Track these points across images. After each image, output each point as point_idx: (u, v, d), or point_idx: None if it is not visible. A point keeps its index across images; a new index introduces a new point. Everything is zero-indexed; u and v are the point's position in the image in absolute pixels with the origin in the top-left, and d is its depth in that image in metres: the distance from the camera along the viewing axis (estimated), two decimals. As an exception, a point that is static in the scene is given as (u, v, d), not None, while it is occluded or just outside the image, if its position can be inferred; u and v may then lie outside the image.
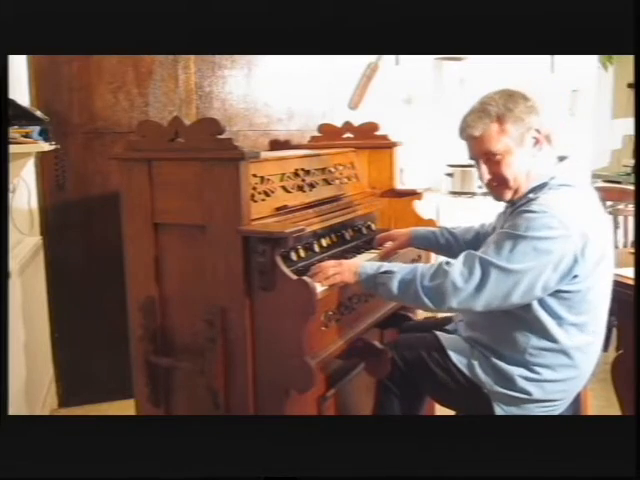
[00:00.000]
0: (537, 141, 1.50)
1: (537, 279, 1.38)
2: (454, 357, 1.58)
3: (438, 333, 1.67)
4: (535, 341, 1.48)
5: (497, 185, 1.53)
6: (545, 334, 1.47)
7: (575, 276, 1.41)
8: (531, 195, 1.48)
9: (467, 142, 1.54)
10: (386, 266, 1.55)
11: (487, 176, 1.53)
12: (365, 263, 1.60)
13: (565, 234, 1.37)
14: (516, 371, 1.50)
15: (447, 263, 1.46)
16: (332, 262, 1.63)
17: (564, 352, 1.48)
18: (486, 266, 1.39)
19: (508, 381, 1.51)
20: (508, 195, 1.53)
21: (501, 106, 1.47)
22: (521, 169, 1.49)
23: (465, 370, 1.56)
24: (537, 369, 1.49)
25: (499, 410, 1.53)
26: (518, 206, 1.50)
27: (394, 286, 1.49)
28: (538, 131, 1.49)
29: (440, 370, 1.59)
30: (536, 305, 1.45)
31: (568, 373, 1.50)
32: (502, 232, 1.44)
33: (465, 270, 1.41)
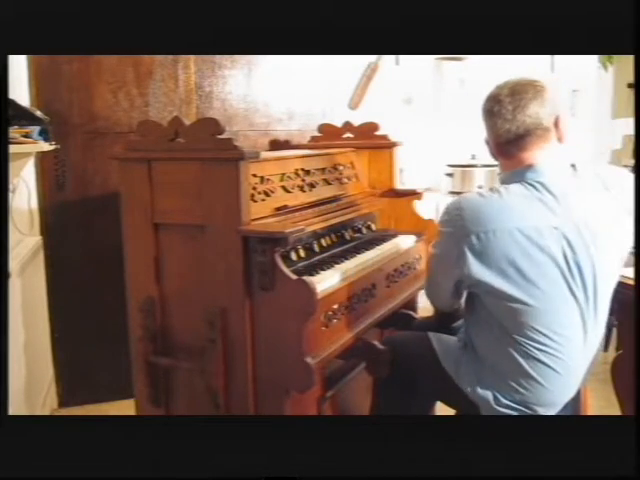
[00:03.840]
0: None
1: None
2: (442, 360, 1.58)
3: (431, 335, 1.66)
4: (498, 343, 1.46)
5: None
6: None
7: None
8: None
9: None
10: None
11: None
12: None
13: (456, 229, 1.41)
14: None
15: None
16: None
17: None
18: None
19: (488, 386, 1.49)
20: None
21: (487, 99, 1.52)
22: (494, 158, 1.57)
23: (452, 374, 1.55)
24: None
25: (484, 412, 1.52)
26: None
27: None
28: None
29: (432, 371, 1.59)
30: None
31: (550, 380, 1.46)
32: None
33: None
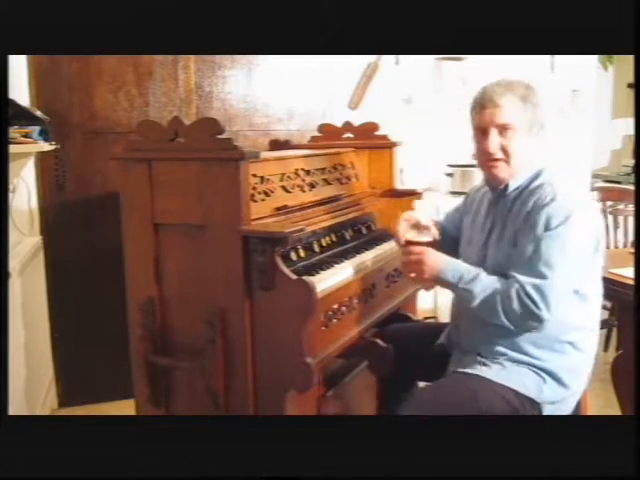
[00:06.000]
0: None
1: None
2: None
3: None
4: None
5: (497, 161, 1.52)
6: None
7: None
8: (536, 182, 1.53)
9: (484, 110, 1.52)
10: (465, 279, 1.49)
11: (495, 147, 1.51)
12: (446, 266, 1.53)
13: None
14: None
15: (528, 295, 1.41)
16: (418, 249, 1.57)
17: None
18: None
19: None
20: (503, 174, 1.53)
21: (526, 89, 1.53)
22: (523, 153, 1.52)
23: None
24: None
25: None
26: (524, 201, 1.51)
27: (475, 304, 1.48)
28: (542, 127, 1.54)
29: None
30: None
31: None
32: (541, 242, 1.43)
33: (546, 303, 1.41)
